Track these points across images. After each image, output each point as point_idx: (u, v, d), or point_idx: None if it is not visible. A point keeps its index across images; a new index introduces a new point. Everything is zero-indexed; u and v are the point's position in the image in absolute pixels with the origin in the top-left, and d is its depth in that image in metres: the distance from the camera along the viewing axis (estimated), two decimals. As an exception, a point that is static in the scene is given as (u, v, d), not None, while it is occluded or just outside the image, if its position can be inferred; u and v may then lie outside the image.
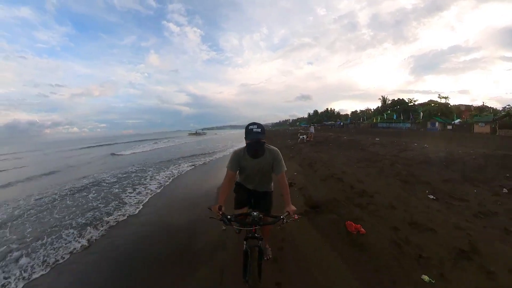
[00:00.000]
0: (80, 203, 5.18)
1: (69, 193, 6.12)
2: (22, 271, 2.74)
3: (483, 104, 39.30)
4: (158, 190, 5.88)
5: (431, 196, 3.84)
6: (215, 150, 16.10)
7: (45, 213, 4.71)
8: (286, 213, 1.80)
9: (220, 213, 1.79)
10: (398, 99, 46.16)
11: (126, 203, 4.94)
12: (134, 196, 5.41)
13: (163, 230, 3.58)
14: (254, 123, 1.94)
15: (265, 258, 2.61)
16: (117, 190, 6.04)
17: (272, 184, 2.36)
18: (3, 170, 12.77)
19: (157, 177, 7.41)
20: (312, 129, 16.95)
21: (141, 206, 4.75)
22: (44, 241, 3.45)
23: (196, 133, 65.08)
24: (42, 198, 5.78)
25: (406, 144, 9.70)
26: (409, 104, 43.84)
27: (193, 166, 9.49)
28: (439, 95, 37.91)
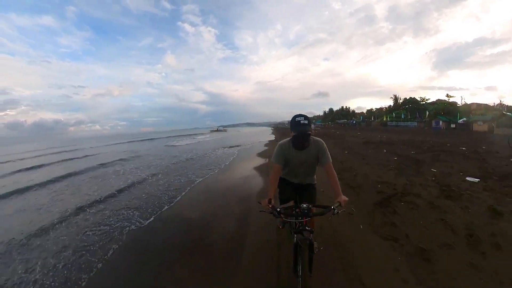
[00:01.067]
0: (191, 167, 9.82)
1: (181, 163, 10.88)
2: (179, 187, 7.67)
3: (500, 103, 40.36)
4: (231, 158, 10.84)
5: (345, 151, 8.44)
6: (253, 141, 20.93)
7: (174, 173, 9.23)
8: (338, 204, 1.77)
9: (270, 206, 1.82)
10: (410, 97, 48.78)
11: (219, 164, 9.84)
12: (221, 162, 10.31)
13: (239, 177, 8.06)
14: (300, 115, 1.94)
15: (312, 254, 2.65)
16: (206, 162, 10.81)
17: (315, 176, 2.37)
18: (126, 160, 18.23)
19: (224, 154, 12.49)
20: (312, 126, 22.92)
21: (228, 162, 9.72)
22: (182, 178, 8.14)
23: (218, 130, 71.83)
24: (164, 166, 10.61)
25: (379, 136, 14.24)
26: (421, 103, 46.45)
27: (239, 149, 14.56)
28: (447, 94, 40.48)
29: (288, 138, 2.10)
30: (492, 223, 2.86)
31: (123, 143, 33.90)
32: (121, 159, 13.23)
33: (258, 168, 7.96)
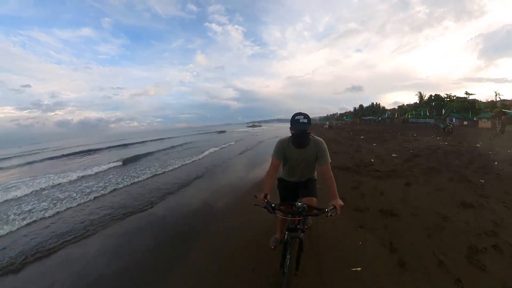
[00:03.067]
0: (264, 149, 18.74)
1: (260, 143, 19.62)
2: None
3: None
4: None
5: (374, 144, 16.39)
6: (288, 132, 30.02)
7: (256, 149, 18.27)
8: (332, 207, 1.79)
9: (265, 201, 1.84)
10: (435, 95, 51.87)
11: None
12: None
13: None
14: (300, 113, 1.97)
15: (305, 227, 2.76)
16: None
17: (316, 173, 2.41)
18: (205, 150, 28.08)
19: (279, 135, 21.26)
20: (328, 123, 30.33)
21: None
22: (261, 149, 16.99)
23: (253, 125, 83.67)
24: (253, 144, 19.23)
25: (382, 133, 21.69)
26: (446, 100, 49.39)
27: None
28: (466, 91, 43.75)
29: (289, 136, 2.13)
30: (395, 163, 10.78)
31: (194, 135, 40.71)
32: (228, 144, 18.31)
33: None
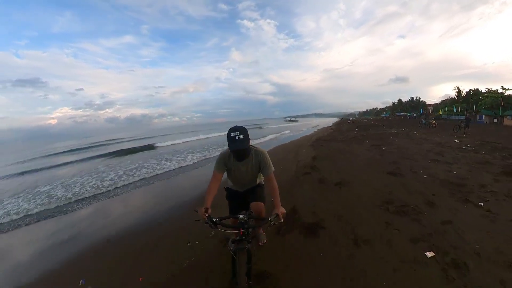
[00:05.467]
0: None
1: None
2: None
3: None
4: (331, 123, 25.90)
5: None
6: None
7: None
8: (275, 215, 1.81)
9: (206, 215, 1.79)
10: (474, 89, 50.90)
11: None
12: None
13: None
14: (236, 128, 1.93)
15: (260, 244, 2.77)
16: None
17: (262, 179, 2.41)
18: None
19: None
20: (351, 118, 35.39)
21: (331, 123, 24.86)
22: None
23: (291, 120, 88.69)
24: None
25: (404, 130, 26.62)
26: (486, 95, 48.61)
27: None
28: (502, 86, 43.34)
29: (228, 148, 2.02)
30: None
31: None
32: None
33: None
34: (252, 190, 2.40)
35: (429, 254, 2.46)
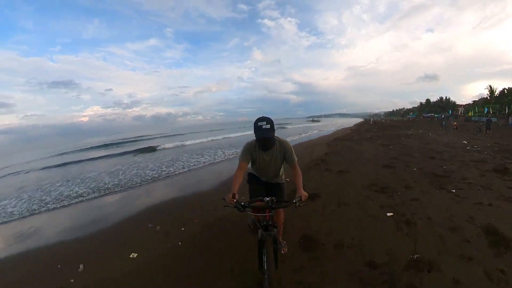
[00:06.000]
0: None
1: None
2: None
3: None
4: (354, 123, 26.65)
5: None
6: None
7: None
8: (299, 198, 1.91)
9: (234, 200, 1.90)
10: (509, 88, 47.78)
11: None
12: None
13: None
14: (263, 118, 2.00)
15: (282, 252, 2.75)
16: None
17: (284, 176, 2.57)
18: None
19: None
20: (372, 119, 35.12)
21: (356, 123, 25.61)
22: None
23: (313, 120, 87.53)
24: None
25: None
26: None
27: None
28: None
29: (255, 139, 2.12)
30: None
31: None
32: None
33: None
34: (273, 188, 2.51)
35: (389, 214, 3.56)
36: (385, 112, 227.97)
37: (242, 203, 1.89)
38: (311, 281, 2.31)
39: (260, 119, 1.99)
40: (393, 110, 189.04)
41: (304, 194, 1.96)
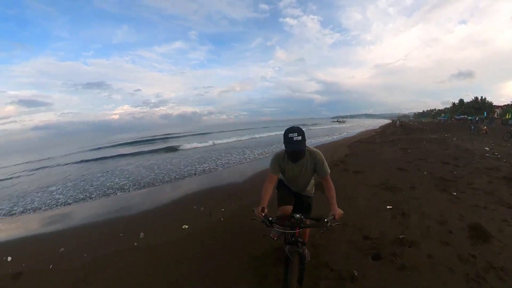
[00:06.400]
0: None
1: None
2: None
3: None
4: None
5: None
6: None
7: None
8: (332, 217, 1.79)
9: (263, 214, 1.84)
10: None
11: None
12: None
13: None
14: (293, 129, 1.89)
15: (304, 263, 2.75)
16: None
17: (313, 189, 2.51)
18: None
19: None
20: (398, 121, 34.33)
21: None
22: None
23: (338, 121, 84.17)
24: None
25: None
26: None
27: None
28: None
29: (284, 149, 2.06)
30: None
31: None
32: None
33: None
34: (302, 200, 2.47)
35: (388, 207, 4.37)
36: (414, 113, 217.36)
37: (270, 218, 1.84)
38: (320, 243, 3.26)
39: (291, 130, 1.90)
40: (423, 111, 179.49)
41: (338, 212, 1.86)
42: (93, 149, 28.44)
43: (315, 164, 2.17)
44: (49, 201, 7.34)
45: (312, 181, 2.47)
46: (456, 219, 3.76)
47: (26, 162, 23.91)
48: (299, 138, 1.86)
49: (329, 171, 2.16)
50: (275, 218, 1.89)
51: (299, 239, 1.92)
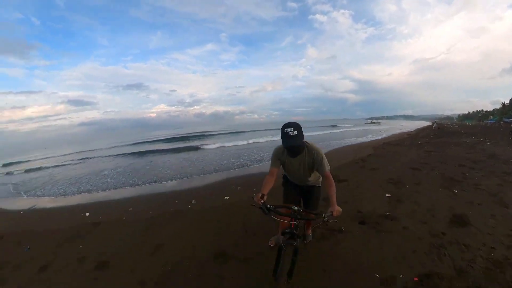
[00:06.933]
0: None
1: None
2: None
3: None
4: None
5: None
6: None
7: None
8: (330, 213, 1.79)
9: (262, 201, 1.88)
10: None
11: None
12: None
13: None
14: (289, 125, 1.92)
15: (304, 242, 2.94)
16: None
17: (320, 178, 2.43)
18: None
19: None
20: (435, 124, 32.67)
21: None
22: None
23: (372, 122, 77.83)
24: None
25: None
26: None
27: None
28: None
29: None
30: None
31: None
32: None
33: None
34: (308, 191, 2.50)
35: (388, 195, 5.27)
36: (458, 115, 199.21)
37: (268, 206, 1.86)
38: (321, 210, 4.49)
39: (287, 125, 1.93)
40: (469, 112, 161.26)
41: (337, 209, 1.84)
42: (139, 143, 33.00)
43: (314, 161, 2.19)
44: (111, 180, 9.99)
45: (317, 173, 2.42)
46: (445, 209, 4.14)
47: (79, 152, 29.08)
48: (295, 133, 1.92)
49: (328, 168, 2.17)
50: (273, 206, 1.91)
51: (294, 231, 1.98)
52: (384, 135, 25.79)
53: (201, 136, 40.37)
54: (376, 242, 3.38)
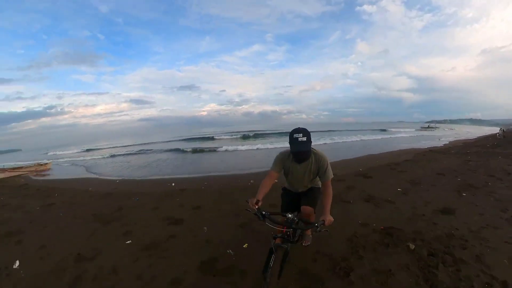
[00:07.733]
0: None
1: None
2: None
3: None
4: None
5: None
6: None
7: None
8: (322, 222, 1.82)
9: (256, 207, 1.91)
10: None
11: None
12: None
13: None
14: (298, 130, 1.93)
15: (304, 244, 2.98)
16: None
17: (320, 182, 2.41)
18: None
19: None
20: (501, 131, 28.99)
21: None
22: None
23: (429, 127, 65.20)
24: None
25: None
26: None
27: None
28: None
29: (289, 149, 2.08)
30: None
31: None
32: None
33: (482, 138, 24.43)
34: (307, 192, 2.51)
35: (399, 189, 6.22)
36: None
37: (263, 212, 1.91)
38: (342, 190, 6.39)
39: (296, 131, 1.96)
40: None
41: (329, 219, 1.86)
42: (200, 138, 39.23)
43: (319, 168, 2.19)
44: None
45: (316, 178, 2.41)
46: (442, 205, 4.64)
47: (144, 143, 37.28)
48: (304, 139, 1.93)
49: (331, 176, 2.15)
50: (268, 213, 1.93)
51: (286, 236, 2.02)
52: (434, 144, 22.40)
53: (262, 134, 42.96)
54: (369, 210, 4.90)
